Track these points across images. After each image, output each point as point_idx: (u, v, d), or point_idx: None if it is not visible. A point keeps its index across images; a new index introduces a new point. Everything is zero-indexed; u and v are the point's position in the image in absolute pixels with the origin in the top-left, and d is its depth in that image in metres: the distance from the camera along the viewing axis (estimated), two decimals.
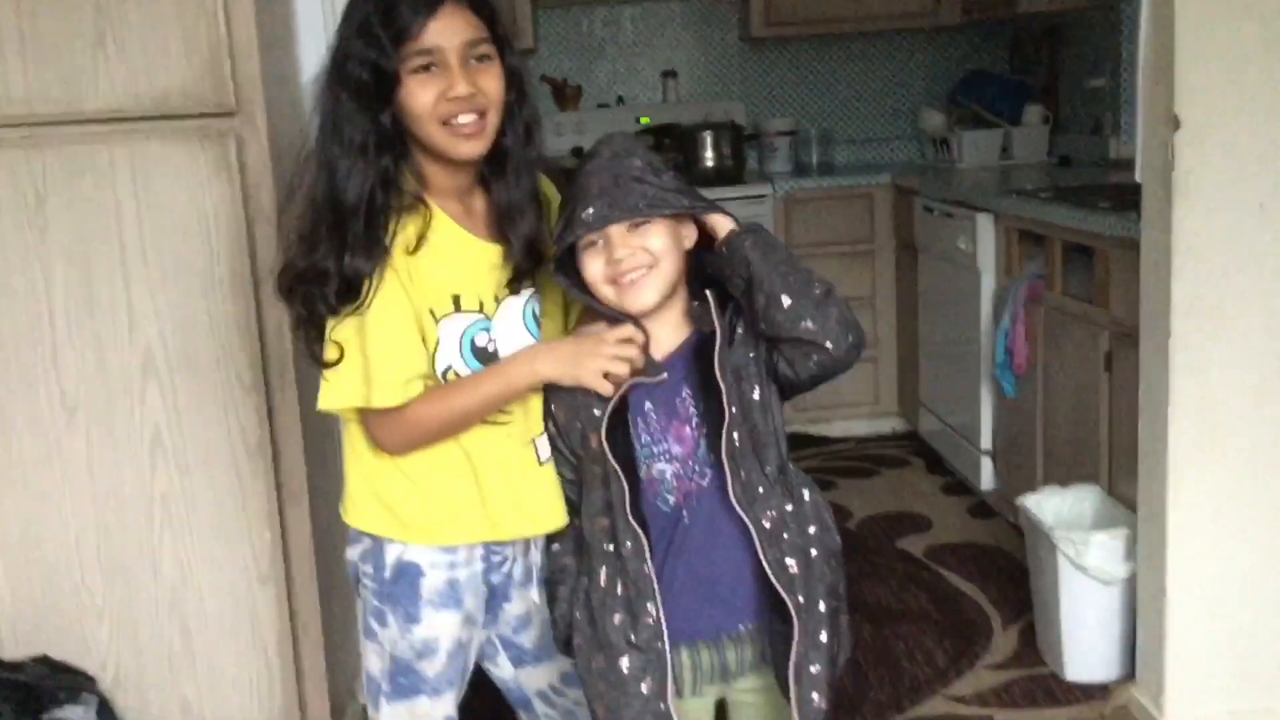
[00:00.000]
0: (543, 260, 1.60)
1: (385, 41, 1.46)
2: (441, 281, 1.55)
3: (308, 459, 2.25)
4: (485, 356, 1.58)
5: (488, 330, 1.58)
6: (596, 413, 1.53)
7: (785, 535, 1.52)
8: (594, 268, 1.51)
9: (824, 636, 1.52)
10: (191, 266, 2.15)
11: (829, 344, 1.46)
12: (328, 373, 1.53)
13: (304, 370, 2.28)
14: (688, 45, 4.89)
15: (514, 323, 1.61)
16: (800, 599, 1.50)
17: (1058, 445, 3.03)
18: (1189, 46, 2.04)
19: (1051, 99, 4.43)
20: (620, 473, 1.51)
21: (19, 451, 2.19)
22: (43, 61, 2.08)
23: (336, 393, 1.53)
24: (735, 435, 1.49)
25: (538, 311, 1.64)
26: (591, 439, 1.54)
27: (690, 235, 1.55)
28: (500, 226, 1.58)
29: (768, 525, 1.51)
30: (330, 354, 1.52)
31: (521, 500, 1.61)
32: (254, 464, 2.21)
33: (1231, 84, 2.06)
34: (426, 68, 1.48)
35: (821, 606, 1.52)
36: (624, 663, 1.51)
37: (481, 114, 1.50)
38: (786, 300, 1.45)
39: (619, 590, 1.53)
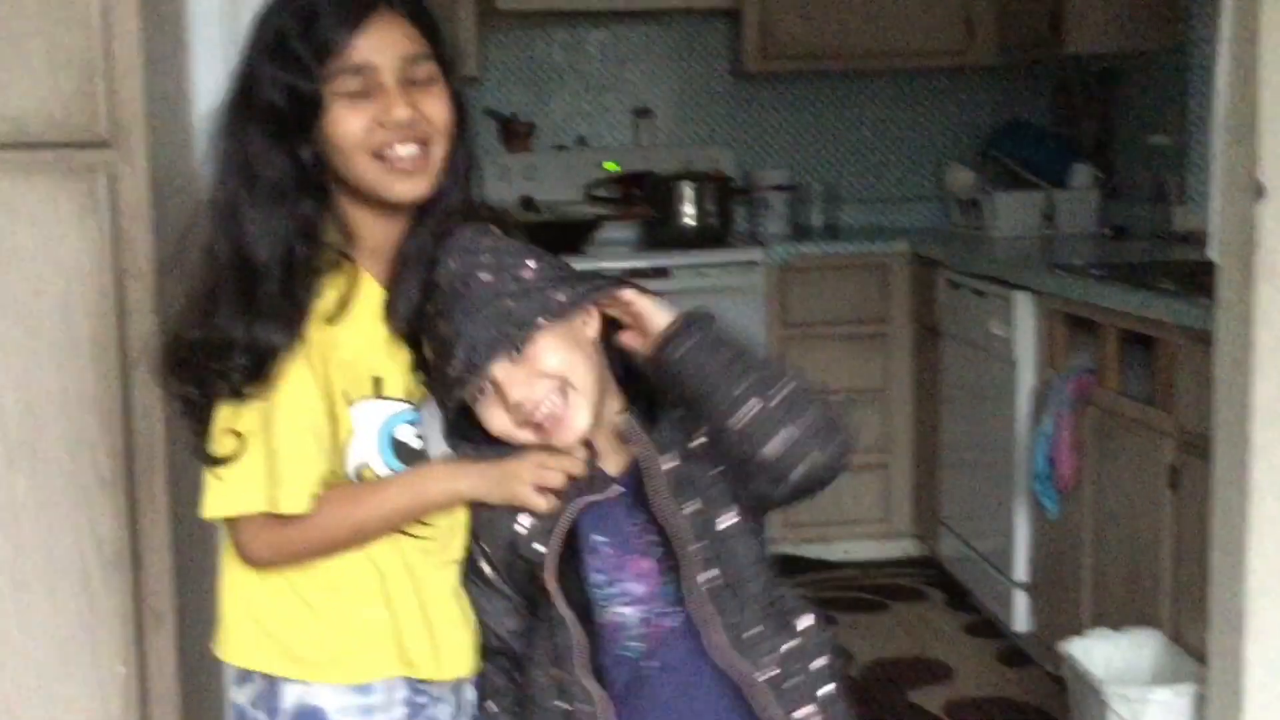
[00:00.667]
0: None
1: (305, 59, 1.45)
2: (360, 359, 1.54)
3: (177, 574, 2.20)
4: (410, 456, 1.56)
5: (414, 424, 1.56)
6: (538, 547, 1.52)
7: (792, 681, 1.50)
8: (497, 421, 1.51)
9: None
10: (43, 331, 2.11)
11: (801, 468, 1.43)
12: (221, 471, 1.50)
13: (179, 464, 2.25)
14: (666, 79, 4.95)
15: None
16: None
17: (1109, 579, 3.02)
18: (1275, 100, 2.08)
19: (1104, 158, 4.51)
20: (575, 620, 1.50)
21: None
22: None
23: (231, 496, 1.50)
24: (704, 578, 1.48)
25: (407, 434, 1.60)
26: (539, 579, 1.52)
27: (591, 321, 1.54)
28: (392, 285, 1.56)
29: (768, 675, 1.49)
30: (224, 447, 1.49)
31: (443, 631, 1.59)
32: (109, 579, 2.15)
33: None
34: (357, 90, 1.47)
35: None
36: None
37: (424, 144, 1.50)
38: (742, 420, 1.43)
39: None
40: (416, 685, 1.61)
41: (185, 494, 2.31)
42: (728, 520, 1.50)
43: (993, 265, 3.74)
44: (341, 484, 1.55)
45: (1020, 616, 3.54)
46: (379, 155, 1.49)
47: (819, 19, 4.57)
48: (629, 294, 1.51)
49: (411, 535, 1.57)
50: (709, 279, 4.27)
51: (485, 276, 1.47)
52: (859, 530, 4.46)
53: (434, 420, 1.58)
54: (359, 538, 1.55)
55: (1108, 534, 3.03)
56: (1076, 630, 2.95)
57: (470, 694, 1.67)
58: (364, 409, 1.55)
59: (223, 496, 1.51)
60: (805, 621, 1.55)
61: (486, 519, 1.57)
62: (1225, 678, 2.26)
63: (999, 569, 3.65)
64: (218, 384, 1.48)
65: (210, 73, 2.57)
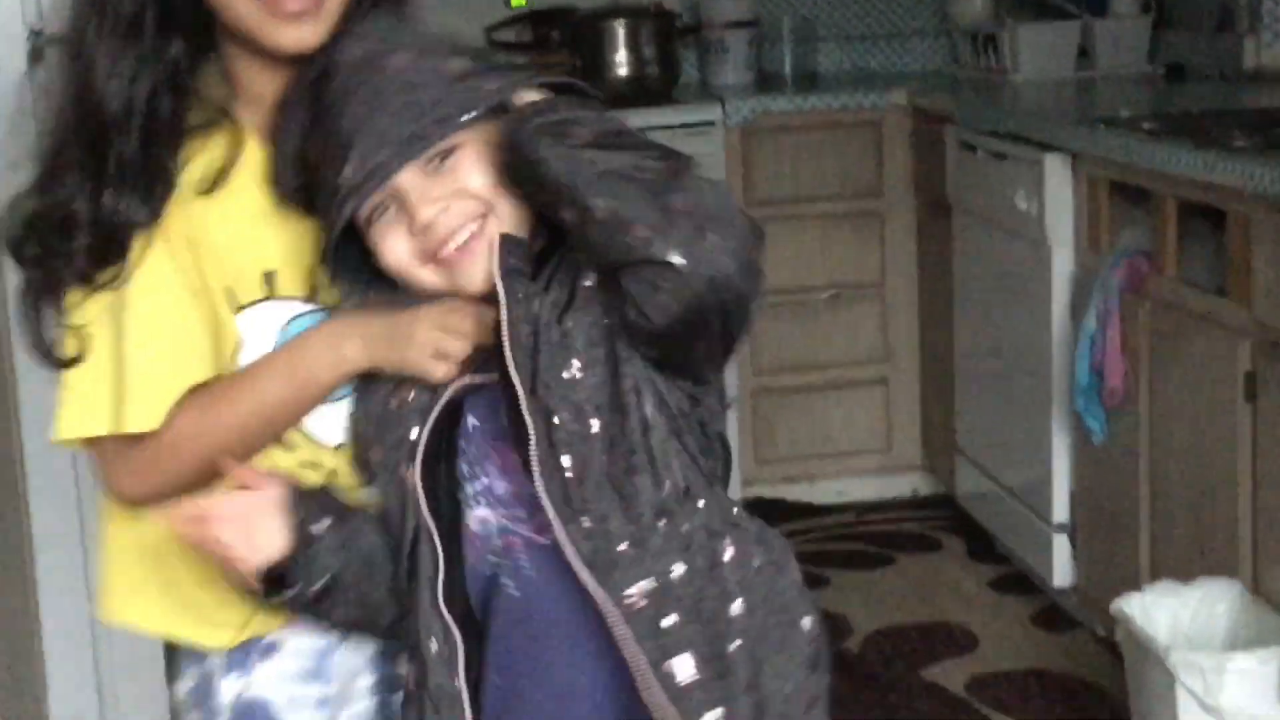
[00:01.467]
0: None
1: None
2: (244, 247, 1.57)
3: None
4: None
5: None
6: (414, 433, 1.51)
7: (671, 619, 1.45)
8: (395, 249, 1.50)
9: None
10: None
11: (674, 256, 1.36)
12: (67, 383, 1.52)
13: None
14: None
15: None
16: None
17: (1173, 519, 3.06)
18: None
19: None
20: (433, 529, 1.50)
21: None
22: None
23: (78, 415, 1.53)
24: (565, 460, 1.44)
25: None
26: (401, 471, 1.53)
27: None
28: None
29: (635, 603, 1.44)
30: (68, 348, 1.52)
31: None
32: None
33: None
34: None
35: None
36: None
37: None
38: (600, 201, 1.38)
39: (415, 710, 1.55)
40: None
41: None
42: (611, 385, 1.45)
43: (1016, 120, 3.74)
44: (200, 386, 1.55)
45: (1062, 568, 3.58)
46: None
47: None
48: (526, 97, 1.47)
49: (308, 465, 1.60)
50: None
51: (401, 60, 1.48)
52: (855, 464, 4.51)
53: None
54: (240, 444, 1.55)
55: (1169, 462, 3.07)
56: (1133, 585, 2.99)
57: None
58: (255, 313, 1.57)
59: (69, 415, 1.53)
60: (727, 549, 1.48)
61: (364, 393, 1.58)
62: None
63: (1033, 509, 3.69)
64: (59, 266, 1.50)
65: None
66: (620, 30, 4.53)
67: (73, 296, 1.51)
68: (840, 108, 4.41)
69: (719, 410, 1.55)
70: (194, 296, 1.54)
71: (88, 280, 1.50)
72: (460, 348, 1.49)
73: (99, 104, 1.50)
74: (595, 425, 1.44)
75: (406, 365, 1.51)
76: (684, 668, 1.43)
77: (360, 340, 1.54)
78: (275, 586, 1.48)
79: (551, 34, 4.69)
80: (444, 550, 1.50)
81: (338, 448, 1.61)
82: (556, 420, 1.43)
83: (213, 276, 1.54)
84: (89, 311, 1.51)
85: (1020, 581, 3.85)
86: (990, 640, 3.59)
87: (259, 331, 1.58)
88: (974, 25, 4.68)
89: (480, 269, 1.47)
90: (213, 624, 1.61)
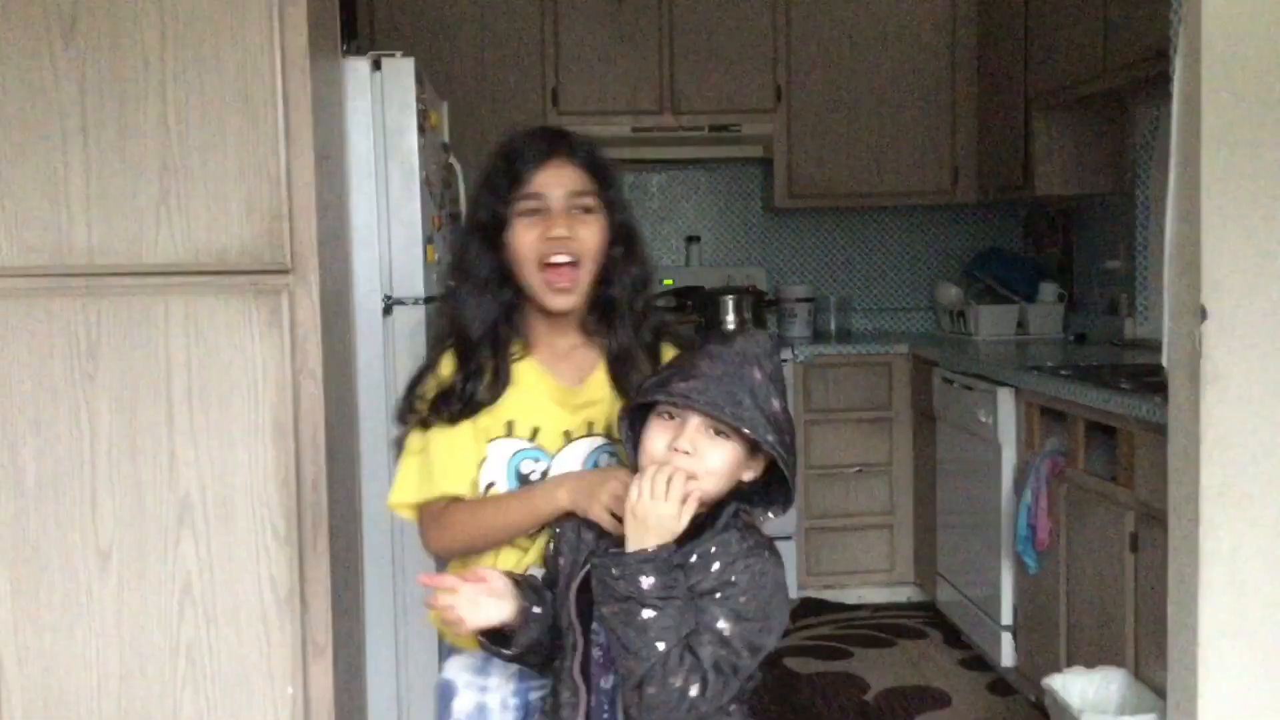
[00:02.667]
0: None
1: (503, 188, 1.60)
2: (503, 407, 1.63)
3: (335, 612, 2.24)
4: (527, 484, 1.64)
5: (537, 460, 1.64)
6: (580, 560, 1.49)
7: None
8: (657, 442, 1.44)
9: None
10: (235, 417, 2.18)
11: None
12: (398, 473, 1.65)
13: (336, 523, 2.30)
14: (712, 212, 5.03)
15: (573, 463, 1.65)
16: None
17: (1082, 624, 3.00)
18: (1215, 238, 2.10)
19: (1067, 277, 4.53)
20: (578, 627, 1.48)
21: (49, 593, 2.18)
22: (107, 216, 2.15)
23: (401, 490, 1.65)
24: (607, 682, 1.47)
25: (603, 463, 1.66)
26: (563, 585, 1.51)
27: (757, 467, 1.48)
28: (613, 373, 1.66)
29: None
30: (410, 453, 1.66)
31: None
32: (282, 616, 2.20)
33: (1260, 274, 2.11)
34: (534, 211, 1.60)
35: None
36: None
37: (575, 261, 1.60)
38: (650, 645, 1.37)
39: None
40: (530, 683, 1.65)
41: (338, 548, 2.36)
42: None
43: (979, 365, 3.75)
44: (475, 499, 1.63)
45: (1007, 653, 3.50)
46: (543, 264, 1.60)
47: (834, 166, 4.64)
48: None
49: (522, 549, 1.65)
50: None
51: (758, 375, 1.43)
52: (870, 579, 4.44)
53: (563, 464, 1.64)
54: (488, 536, 1.63)
55: (1080, 587, 3.01)
56: (1055, 666, 2.93)
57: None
58: (496, 445, 1.64)
59: (396, 490, 1.66)
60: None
61: (567, 522, 1.56)
62: (1181, 711, 2.24)
63: (988, 614, 3.62)
64: (431, 418, 1.62)
65: (364, 212, 2.67)
66: (729, 302, 4.61)
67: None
68: (866, 353, 4.43)
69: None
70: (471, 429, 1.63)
71: (453, 421, 1.61)
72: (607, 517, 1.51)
73: (467, 328, 1.62)
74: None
75: (589, 511, 1.52)
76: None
77: (570, 487, 1.57)
78: (494, 641, 1.50)
79: (687, 303, 4.77)
80: (583, 638, 1.48)
81: (533, 535, 1.64)
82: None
83: (480, 423, 1.63)
84: (414, 439, 1.64)
85: (980, 661, 3.75)
86: (960, 700, 3.50)
87: (498, 455, 1.64)
88: (951, 305, 4.71)
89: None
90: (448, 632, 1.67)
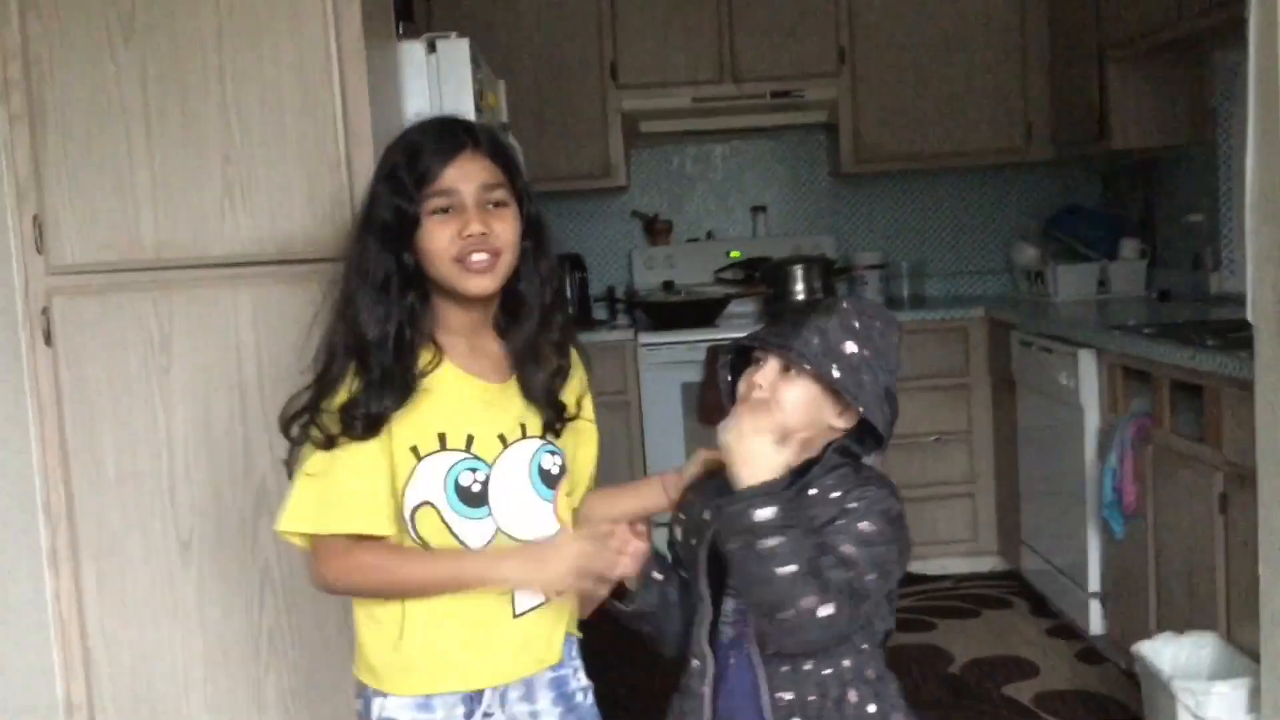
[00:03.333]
0: (564, 415, 1.64)
1: (408, 186, 1.54)
2: (430, 418, 1.56)
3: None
4: (469, 496, 1.57)
5: (475, 470, 1.58)
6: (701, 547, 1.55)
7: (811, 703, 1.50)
8: (741, 385, 1.56)
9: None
10: None
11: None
12: (291, 496, 1.55)
13: None
14: (777, 181, 5.00)
15: (516, 468, 1.60)
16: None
17: (1172, 589, 2.96)
18: None
19: (1148, 233, 4.44)
20: (707, 598, 1.53)
21: (134, 585, 2.26)
22: (173, 209, 2.21)
23: (294, 516, 1.55)
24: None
25: (547, 466, 1.63)
26: (697, 552, 1.56)
27: (849, 417, 1.53)
28: (518, 369, 1.63)
29: (780, 703, 1.50)
30: (305, 476, 1.56)
31: (490, 652, 1.60)
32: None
33: None
34: (445, 209, 1.55)
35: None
36: None
37: (495, 255, 1.56)
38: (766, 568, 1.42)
39: (678, 699, 1.58)
40: (472, 696, 1.61)
41: None
42: None
43: (1058, 326, 3.70)
44: (405, 546, 1.56)
45: (1095, 621, 3.47)
46: (459, 260, 1.55)
47: (902, 128, 4.59)
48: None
49: None
50: None
51: (833, 320, 1.50)
52: (952, 549, 4.40)
53: (503, 469, 1.59)
54: (402, 591, 1.56)
55: (1168, 551, 2.97)
56: (1145, 633, 2.90)
57: (519, 708, 1.64)
58: (430, 460, 1.56)
59: (287, 516, 1.56)
60: (851, 695, 1.50)
61: (691, 491, 1.64)
62: (1276, 671, 2.21)
63: (1075, 581, 3.59)
64: (335, 433, 1.52)
65: None
66: (798, 271, 4.57)
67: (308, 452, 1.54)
68: (941, 319, 4.38)
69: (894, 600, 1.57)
70: (386, 452, 1.54)
71: (358, 439, 1.52)
72: (589, 585, 1.52)
73: (363, 333, 1.54)
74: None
75: (550, 587, 1.55)
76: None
77: (512, 567, 1.54)
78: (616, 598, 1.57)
79: (754, 274, 4.77)
80: (712, 608, 1.54)
81: (480, 550, 1.57)
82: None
83: (405, 436, 1.55)
84: (316, 460, 1.54)
85: (1067, 630, 3.72)
86: (1047, 669, 3.47)
87: (432, 471, 1.56)
88: (1028, 266, 4.64)
89: (760, 417, 1.48)
90: (376, 674, 1.61)
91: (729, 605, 1.55)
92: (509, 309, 1.64)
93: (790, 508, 1.43)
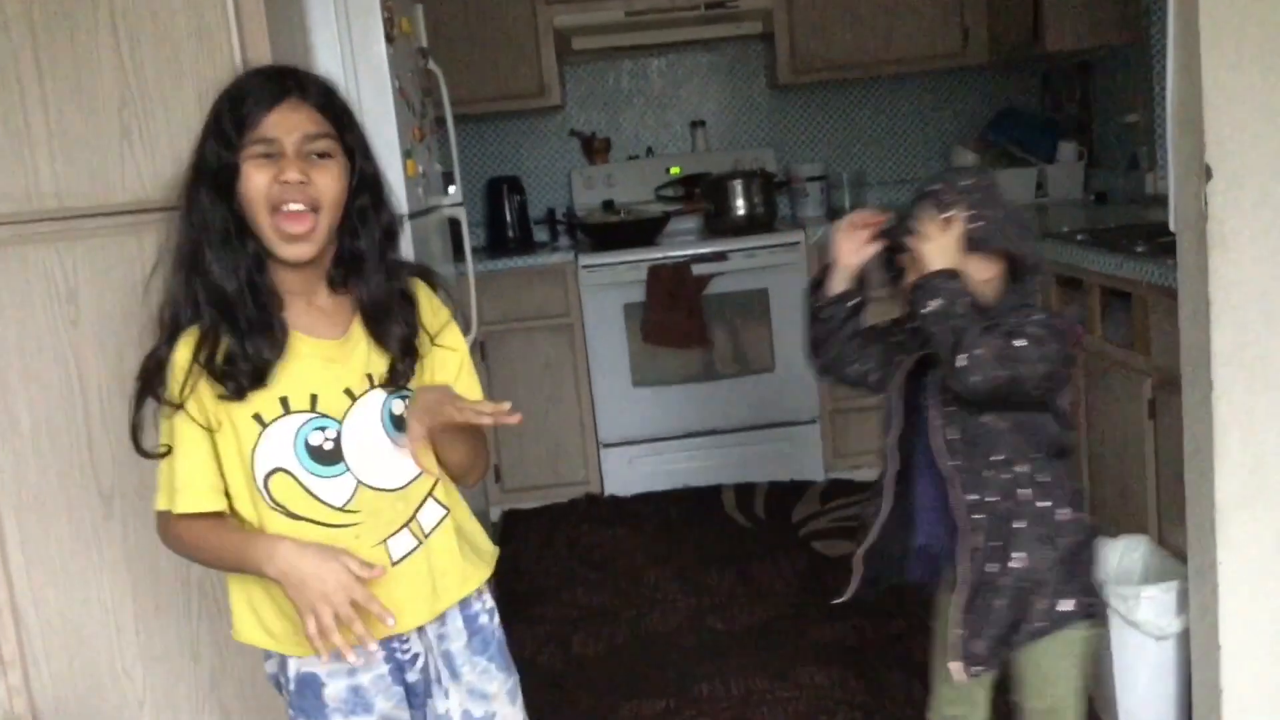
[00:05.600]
0: (418, 358, 1.60)
1: (230, 132, 1.49)
2: (271, 384, 1.53)
3: None
4: (322, 455, 1.55)
5: (324, 429, 1.55)
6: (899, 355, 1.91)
7: (980, 516, 1.81)
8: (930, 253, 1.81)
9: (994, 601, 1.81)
10: None
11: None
12: (163, 469, 1.56)
13: None
14: (715, 94, 4.91)
15: (368, 420, 1.58)
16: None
17: (1104, 494, 2.97)
18: (1217, 95, 2.01)
19: (1086, 135, 4.40)
20: (899, 408, 1.89)
21: (59, 539, 2.21)
22: (71, 156, 2.12)
23: (161, 491, 1.58)
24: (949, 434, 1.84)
25: (399, 411, 1.59)
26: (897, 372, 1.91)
27: (991, 268, 1.84)
28: (371, 327, 1.58)
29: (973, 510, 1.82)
30: (159, 445, 1.57)
31: (391, 596, 1.57)
32: None
33: (1266, 130, 2.02)
34: (266, 156, 1.50)
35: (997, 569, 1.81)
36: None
37: (313, 208, 1.51)
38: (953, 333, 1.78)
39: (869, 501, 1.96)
40: (394, 644, 1.60)
41: None
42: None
43: None
44: (222, 519, 1.56)
45: None
46: (275, 209, 1.50)
47: (838, 36, 4.50)
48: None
49: (341, 526, 1.56)
50: (759, 259, 4.24)
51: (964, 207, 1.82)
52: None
53: (355, 422, 1.56)
54: (208, 562, 1.63)
55: (1101, 456, 2.98)
56: None
57: (451, 647, 1.65)
58: (277, 426, 1.53)
59: (160, 494, 1.59)
60: (1022, 467, 1.83)
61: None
62: (1202, 575, 2.23)
63: None
64: (229, 389, 1.51)
65: None
66: (738, 186, 4.51)
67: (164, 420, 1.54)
68: None
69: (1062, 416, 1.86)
70: (205, 431, 1.53)
71: (241, 395, 1.51)
72: (332, 620, 1.46)
73: (222, 287, 1.50)
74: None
75: (299, 605, 1.48)
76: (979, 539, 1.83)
77: (286, 563, 1.48)
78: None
79: (695, 190, 4.70)
80: (906, 420, 1.88)
81: (343, 507, 1.56)
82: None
83: (242, 408, 1.52)
84: (167, 429, 1.55)
85: None
86: None
87: (280, 436, 1.54)
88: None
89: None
90: (278, 640, 1.61)
91: (928, 419, 1.84)
92: (346, 265, 1.58)
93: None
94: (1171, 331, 2.39)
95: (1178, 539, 2.47)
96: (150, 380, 1.54)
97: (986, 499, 1.81)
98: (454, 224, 3.43)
